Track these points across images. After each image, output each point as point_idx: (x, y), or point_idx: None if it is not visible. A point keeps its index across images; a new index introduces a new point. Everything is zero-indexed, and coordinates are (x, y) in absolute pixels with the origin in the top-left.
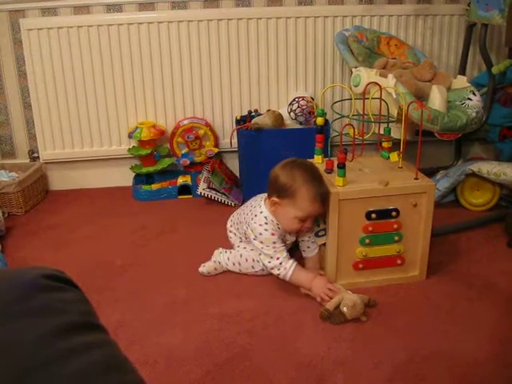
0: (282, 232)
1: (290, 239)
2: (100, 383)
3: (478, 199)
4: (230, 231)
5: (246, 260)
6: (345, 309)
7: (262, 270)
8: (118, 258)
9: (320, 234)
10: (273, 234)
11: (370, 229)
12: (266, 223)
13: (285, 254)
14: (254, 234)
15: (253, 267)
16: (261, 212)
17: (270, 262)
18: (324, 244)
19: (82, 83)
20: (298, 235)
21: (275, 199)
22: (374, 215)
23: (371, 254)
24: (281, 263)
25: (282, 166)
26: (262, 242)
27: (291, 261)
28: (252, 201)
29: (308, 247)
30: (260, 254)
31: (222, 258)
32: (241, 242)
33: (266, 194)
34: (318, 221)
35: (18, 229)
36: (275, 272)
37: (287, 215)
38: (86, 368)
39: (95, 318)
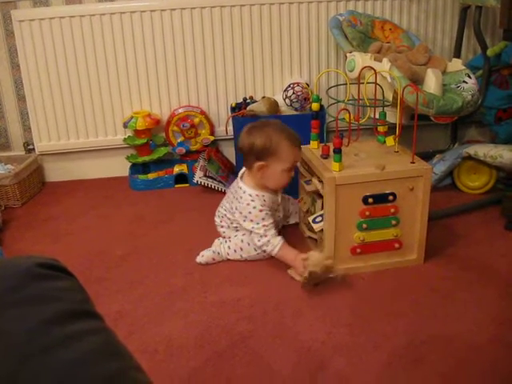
0: (269, 204)
1: (279, 211)
2: (97, 369)
3: (474, 182)
4: (222, 226)
5: (248, 244)
6: (311, 268)
7: (264, 251)
8: (116, 248)
9: (317, 220)
10: (261, 211)
11: (367, 213)
12: (253, 200)
13: (273, 231)
14: (244, 215)
15: (255, 249)
16: (244, 192)
17: (259, 240)
18: (321, 230)
19: (75, 74)
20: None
21: (260, 163)
22: (370, 200)
23: (369, 238)
24: (269, 240)
25: (248, 133)
26: (251, 221)
27: (279, 238)
28: (231, 188)
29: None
30: (251, 233)
31: (221, 249)
32: (237, 231)
33: (240, 174)
34: (313, 203)
35: (15, 221)
36: (263, 249)
37: (275, 172)
38: (83, 355)
39: (91, 306)
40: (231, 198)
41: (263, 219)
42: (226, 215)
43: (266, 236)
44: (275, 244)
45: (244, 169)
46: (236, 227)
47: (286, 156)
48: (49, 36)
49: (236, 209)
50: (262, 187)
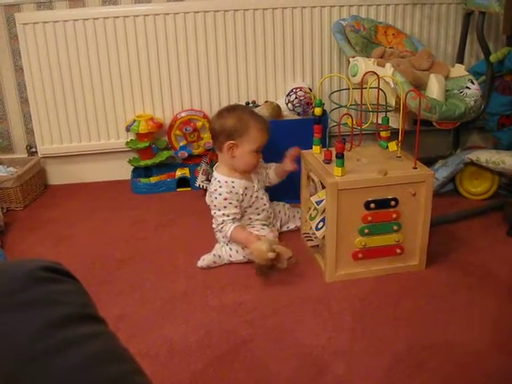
0: (239, 191)
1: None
2: (98, 373)
3: (476, 188)
4: (220, 231)
5: None
6: (256, 261)
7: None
8: (118, 252)
9: (319, 226)
10: (225, 199)
11: (369, 218)
12: (220, 187)
13: (230, 222)
14: (213, 203)
15: None
16: (214, 178)
17: (216, 225)
18: (324, 237)
19: (78, 77)
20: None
21: (231, 142)
22: (372, 205)
23: (370, 243)
24: (222, 227)
25: (219, 115)
26: (215, 206)
27: (234, 224)
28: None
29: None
30: (216, 216)
31: (223, 252)
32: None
33: (214, 167)
34: (315, 208)
35: (17, 224)
36: (219, 234)
37: (244, 152)
38: (84, 359)
39: (93, 310)
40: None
41: (225, 207)
42: None
43: (222, 222)
44: (228, 227)
45: (218, 163)
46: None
47: (254, 137)
48: (52, 39)
49: (210, 198)
50: (233, 171)
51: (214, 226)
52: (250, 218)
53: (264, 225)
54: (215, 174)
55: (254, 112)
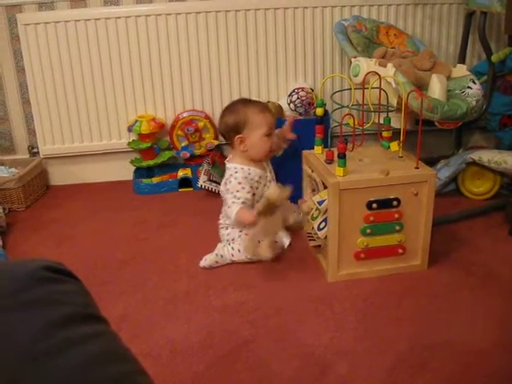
0: (254, 178)
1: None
2: (100, 373)
3: (478, 188)
4: (226, 228)
5: None
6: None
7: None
8: (120, 252)
9: (321, 226)
10: (239, 183)
11: (371, 218)
12: (236, 172)
13: (239, 204)
14: (227, 187)
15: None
16: (228, 168)
17: (222, 215)
18: (326, 237)
19: (80, 77)
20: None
21: (239, 136)
22: (375, 205)
23: (372, 243)
24: (229, 208)
25: (220, 118)
26: (228, 190)
27: (242, 206)
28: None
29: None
30: (227, 201)
31: (225, 251)
32: (240, 231)
33: (226, 160)
34: (317, 208)
35: (19, 224)
36: (223, 231)
37: (255, 139)
38: (86, 358)
39: (95, 310)
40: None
41: (237, 191)
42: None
43: (232, 202)
44: (235, 207)
45: (230, 155)
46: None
47: (257, 122)
48: (54, 40)
49: (225, 185)
50: (248, 161)
51: (220, 221)
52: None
53: None
54: (229, 164)
55: (248, 100)
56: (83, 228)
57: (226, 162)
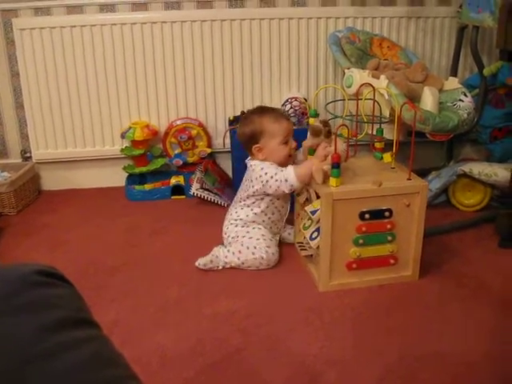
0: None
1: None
2: (93, 377)
3: (469, 200)
4: (236, 225)
5: (247, 247)
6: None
7: (262, 257)
8: (111, 258)
9: (313, 236)
10: (271, 164)
11: (364, 229)
12: (262, 168)
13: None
14: (258, 175)
15: (253, 254)
16: (254, 164)
17: (274, 178)
18: (318, 247)
19: (74, 83)
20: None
21: (256, 146)
22: (367, 215)
23: (365, 253)
24: (282, 170)
25: (239, 127)
26: (266, 173)
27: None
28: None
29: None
30: (268, 183)
31: (220, 252)
32: (242, 226)
33: (249, 161)
34: (310, 218)
35: (11, 229)
36: (283, 182)
37: (273, 148)
38: (79, 362)
39: (88, 314)
40: (243, 184)
41: (276, 167)
42: (235, 201)
43: (281, 171)
44: (288, 169)
45: (249, 158)
46: (245, 204)
47: (273, 131)
48: (49, 45)
49: (251, 182)
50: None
51: (232, 216)
52: (266, 214)
53: (266, 227)
54: (252, 162)
55: (263, 108)
56: (75, 234)
57: (246, 161)
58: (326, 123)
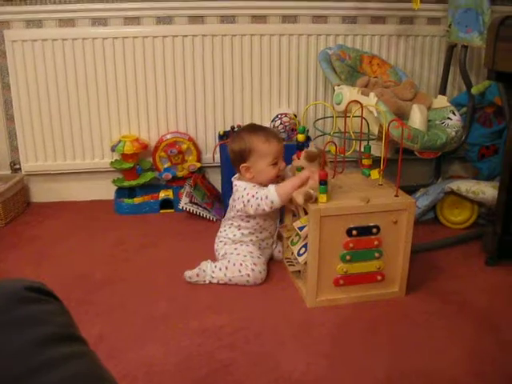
0: None
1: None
2: None
3: (456, 217)
4: (225, 243)
5: (234, 264)
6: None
7: (248, 275)
8: (98, 272)
9: (301, 252)
10: (254, 186)
11: (351, 245)
12: (245, 188)
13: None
14: (240, 195)
15: (239, 271)
16: (238, 186)
17: (255, 197)
18: (305, 263)
19: (65, 96)
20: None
21: (244, 165)
22: (354, 232)
23: (352, 270)
24: (263, 189)
25: (229, 145)
26: (248, 194)
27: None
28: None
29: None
30: (249, 202)
31: (207, 267)
32: (235, 249)
33: (235, 180)
34: (297, 234)
35: None
36: (263, 200)
37: (261, 168)
38: (68, 378)
39: (76, 330)
40: (230, 203)
41: (256, 191)
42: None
43: (257, 192)
44: (270, 188)
45: (236, 175)
46: (232, 224)
47: (263, 151)
48: (41, 57)
49: (234, 201)
50: (257, 184)
51: (221, 233)
52: (253, 233)
53: (254, 245)
54: (237, 183)
55: (255, 127)
56: (63, 246)
57: (233, 179)
58: (321, 153)
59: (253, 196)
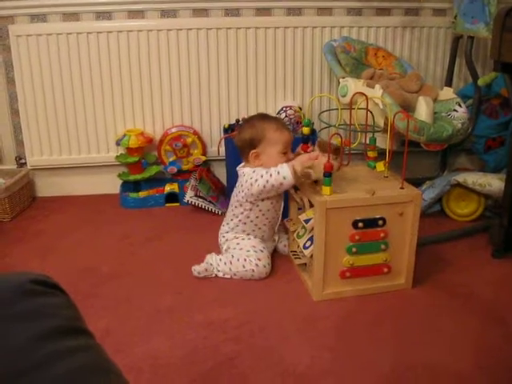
0: None
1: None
2: None
3: (463, 209)
4: (227, 239)
5: (238, 260)
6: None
7: (252, 270)
8: (104, 266)
9: (307, 245)
10: (263, 169)
11: (357, 237)
12: (254, 171)
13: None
14: (249, 177)
15: (244, 266)
16: (245, 171)
17: (266, 175)
18: (311, 256)
19: (70, 90)
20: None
21: (254, 151)
22: (360, 224)
23: (358, 262)
24: (272, 175)
25: (238, 131)
26: (257, 174)
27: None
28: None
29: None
30: (256, 182)
31: (213, 260)
32: (238, 244)
33: (241, 168)
34: (303, 226)
35: (4, 235)
36: (274, 177)
37: (271, 156)
38: (74, 371)
39: (82, 323)
40: (234, 192)
41: (267, 172)
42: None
43: (267, 172)
44: (283, 166)
45: (242, 164)
46: (234, 214)
47: (274, 139)
48: (45, 52)
49: (241, 186)
50: None
51: (224, 227)
52: (256, 224)
53: (256, 237)
54: (244, 169)
55: (266, 115)
56: (69, 240)
57: (238, 168)
58: (337, 148)
59: (261, 176)
